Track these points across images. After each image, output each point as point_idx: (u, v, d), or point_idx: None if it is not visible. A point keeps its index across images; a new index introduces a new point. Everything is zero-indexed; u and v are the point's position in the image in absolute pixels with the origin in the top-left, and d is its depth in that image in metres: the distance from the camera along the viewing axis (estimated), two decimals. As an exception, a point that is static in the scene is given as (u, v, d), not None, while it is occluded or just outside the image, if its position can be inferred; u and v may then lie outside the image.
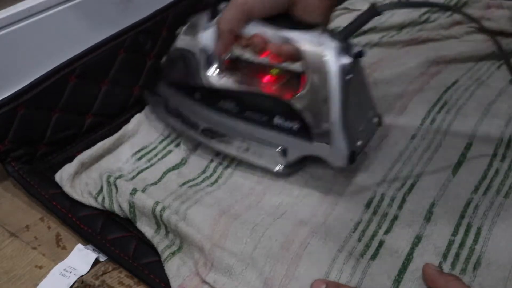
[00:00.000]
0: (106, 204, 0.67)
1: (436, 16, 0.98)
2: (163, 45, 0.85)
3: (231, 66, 0.72)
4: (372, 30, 0.97)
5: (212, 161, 0.73)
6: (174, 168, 0.72)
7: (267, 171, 0.70)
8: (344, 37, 0.62)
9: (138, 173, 0.71)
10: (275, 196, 0.67)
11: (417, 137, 0.73)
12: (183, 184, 0.69)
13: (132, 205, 0.65)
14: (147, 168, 0.72)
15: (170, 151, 0.74)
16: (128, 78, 0.82)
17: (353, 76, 0.61)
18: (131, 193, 0.65)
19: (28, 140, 0.72)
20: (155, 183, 0.69)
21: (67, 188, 0.69)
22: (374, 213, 0.64)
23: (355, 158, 0.64)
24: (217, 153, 0.73)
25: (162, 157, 0.74)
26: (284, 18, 0.66)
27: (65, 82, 0.75)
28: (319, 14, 0.66)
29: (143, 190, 0.67)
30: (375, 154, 0.72)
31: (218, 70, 0.71)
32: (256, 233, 0.61)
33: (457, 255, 0.58)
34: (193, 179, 0.70)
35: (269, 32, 0.65)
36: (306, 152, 0.66)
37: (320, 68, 0.61)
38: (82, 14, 0.80)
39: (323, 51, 0.61)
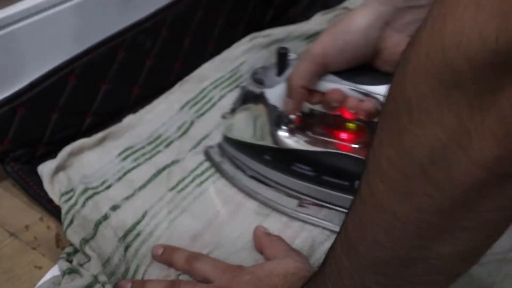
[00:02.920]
0: (68, 209, 0.65)
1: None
2: (162, 45, 0.85)
3: (303, 123, 0.65)
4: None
5: (206, 160, 0.73)
6: (164, 168, 0.71)
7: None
8: None
9: (124, 174, 0.70)
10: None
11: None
12: (172, 188, 0.69)
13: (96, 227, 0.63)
14: (133, 168, 0.71)
15: (159, 151, 0.74)
16: (127, 78, 0.82)
17: None
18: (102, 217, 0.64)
19: (27, 140, 0.72)
20: (143, 186, 0.69)
21: (46, 185, 0.68)
22: None
23: None
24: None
25: (150, 157, 0.73)
26: (364, 70, 0.58)
27: (65, 82, 0.75)
28: None
29: (129, 197, 0.67)
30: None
31: (289, 129, 0.64)
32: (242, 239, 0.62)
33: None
34: (183, 179, 0.70)
35: (346, 87, 0.58)
36: None
37: None
38: (82, 14, 0.80)
39: None
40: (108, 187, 0.68)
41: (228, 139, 0.71)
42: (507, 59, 0.28)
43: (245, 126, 0.68)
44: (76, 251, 0.62)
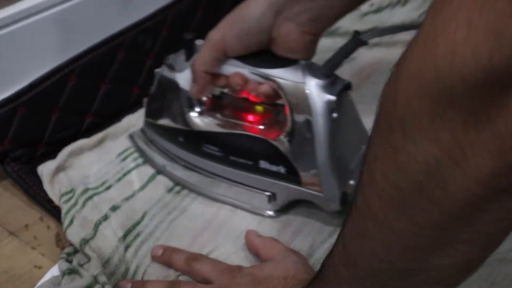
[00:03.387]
0: (68, 210, 0.65)
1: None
2: (162, 45, 0.85)
3: (213, 106, 0.68)
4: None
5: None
6: (163, 168, 0.71)
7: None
8: (328, 72, 0.58)
9: (124, 175, 0.70)
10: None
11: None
12: (171, 189, 0.69)
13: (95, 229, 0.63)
14: (133, 168, 0.71)
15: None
16: (127, 78, 0.82)
17: (340, 112, 0.57)
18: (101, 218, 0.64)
19: (27, 140, 0.72)
20: (143, 187, 0.69)
21: (46, 185, 0.68)
22: None
23: (348, 200, 0.60)
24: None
25: (150, 158, 0.72)
26: (265, 54, 0.61)
27: (65, 82, 0.75)
28: (301, 49, 0.61)
29: (129, 198, 0.67)
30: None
31: (200, 111, 0.68)
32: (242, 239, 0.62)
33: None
34: (182, 180, 0.70)
35: (247, 71, 0.60)
36: (295, 197, 0.63)
37: (302, 108, 0.57)
38: (82, 14, 0.80)
39: (305, 89, 0.57)
40: (108, 187, 0.68)
41: (148, 123, 0.73)
42: (501, 77, 0.28)
43: (161, 110, 0.70)
44: (76, 251, 0.62)
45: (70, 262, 0.60)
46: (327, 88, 0.57)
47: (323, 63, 0.59)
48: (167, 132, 0.70)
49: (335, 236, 0.60)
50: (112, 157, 0.73)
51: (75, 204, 0.65)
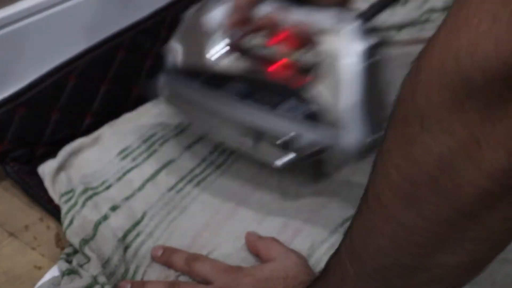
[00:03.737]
0: (68, 210, 0.65)
1: (436, 16, 0.98)
2: (162, 45, 0.85)
3: (238, 50, 0.68)
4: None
5: (204, 160, 0.73)
6: (162, 168, 0.71)
7: (259, 170, 0.70)
8: (365, 19, 0.58)
9: (124, 174, 0.70)
10: (264, 194, 0.67)
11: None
12: (171, 188, 0.69)
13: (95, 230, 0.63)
14: (133, 168, 0.71)
15: (155, 150, 0.74)
16: (127, 78, 0.82)
17: (369, 64, 0.57)
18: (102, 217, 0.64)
19: (27, 140, 0.72)
20: (143, 186, 0.69)
21: (47, 183, 0.68)
22: None
23: (367, 152, 0.58)
24: (210, 152, 0.73)
25: (148, 157, 0.73)
26: (302, 1, 0.62)
27: (65, 82, 0.75)
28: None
29: (129, 198, 0.67)
30: (372, 156, 0.72)
31: (227, 52, 0.67)
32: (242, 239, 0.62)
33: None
34: (181, 179, 0.70)
35: (283, 13, 0.61)
36: (315, 142, 0.59)
37: (334, 52, 0.57)
38: (81, 14, 0.80)
39: (338, 35, 0.57)
40: (108, 187, 0.68)
41: (169, 69, 0.72)
42: None
43: (185, 53, 0.70)
44: (75, 251, 0.62)
45: (69, 262, 0.60)
46: (360, 36, 0.57)
47: (361, 12, 0.59)
48: (189, 75, 0.69)
49: (335, 236, 0.61)
50: (112, 156, 0.73)
51: (75, 204, 0.65)
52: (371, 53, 0.57)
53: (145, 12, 0.84)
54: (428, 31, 0.94)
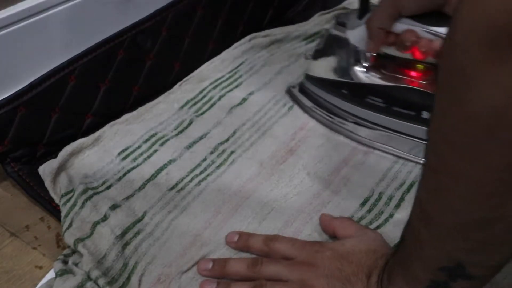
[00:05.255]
0: (68, 212, 0.65)
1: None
2: (162, 45, 0.85)
3: (378, 62, 0.74)
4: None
5: (204, 160, 0.73)
6: (162, 168, 0.71)
7: (259, 170, 0.71)
8: None
9: (125, 174, 0.70)
10: (264, 194, 0.68)
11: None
12: (172, 188, 0.69)
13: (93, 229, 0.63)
14: (133, 168, 0.71)
15: (156, 150, 0.74)
16: (127, 78, 0.82)
17: None
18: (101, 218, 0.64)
19: (27, 140, 0.72)
20: (143, 186, 0.69)
21: (48, 183, 0.68)
22: (369, 211, 0.64)
23: None
24: (210, 152, 0.74)
25: (149, 157, 0.73)
26: (434, 15, 0.66)
27: (65, 82, 0.75)
28: None
29: (129, 197, 0.67)
30: (373, 154, 0.72)
31: (365, 66, 0.74)
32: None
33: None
34: (182, 179, 0.70)
35: (419, 29, 0.66)
36: None
37: None
38: (82, 14, 0.80)
39: None
40: (108, 187, 0.68)
41: (309, 77, 0.80)
42: None
43: (326, 65, 0.78)
44: (74, 252, 0.62)
45: (66, 263, 0.60)
46: None
47: None
48: (330, 85, 0.77)
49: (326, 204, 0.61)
50: (113, 156, 0.73)
51: (74, 204, 0.65)
52: None
53: (145, 13, 0.84)
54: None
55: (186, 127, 0.78)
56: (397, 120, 0.71)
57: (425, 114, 0.68)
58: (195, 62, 0.89)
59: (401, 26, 0.67)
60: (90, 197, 0.66)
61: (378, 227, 0.63)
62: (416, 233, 0.45)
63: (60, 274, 0.58)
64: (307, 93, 0.80)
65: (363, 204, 0.65)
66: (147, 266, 0.59)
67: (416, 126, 0.69)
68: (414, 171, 0.69)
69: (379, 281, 0.51)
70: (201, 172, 0.71)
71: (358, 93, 0.73)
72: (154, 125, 0.78)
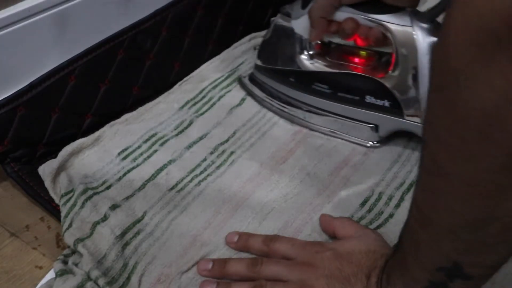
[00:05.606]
0: (67, 212, 0.65)
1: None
2: (162, 45, 0.85)
3: (322, 50, 0.77)
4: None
5: (204, 160, 0.73)
6: (162, 168, 0.71)
7: (259, 170, 0.71)
8: (431, 18, 0.65)
9: (125, 174, 0.70)
10: (265, 194, 0.68)
11: (414, 138, 0.73)
12: (172, 188, 0.69)
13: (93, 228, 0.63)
14: (133, 168, 0.71)
15: (155, 151, 0.74)
16: (127, 78, 0.82)
17: None
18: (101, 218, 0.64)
19: (27, 140, 0.72)
20: (143, 186, 0.69)
21: (47, 184, 0.68)
22: (369, 211, 0.64)
23: None
24: (210, 152, 0.74)
25: (149, 157, 0.73)
26: (373, 3, 0.68)
27: (65, 82, 0.75)
28: None
29: (129, 197, 0.67)
30: (373, 154, 0.72)
31: (310, 54, 0.76)
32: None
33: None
34: (181, 180, 0.70)
35: (359, 17, 0.68)
36: (398, 128, 0.71)
37: (410, 48, 0.65)
38: (82, 14, 0.80)
39: (412, 32, 0.65)
40: (108, 187, 0.68)
41: (258, 67, 0.82)
42: None
43: (273, 55, 0.80)
44: (73, 252, 0.62)
45: (66, 263, 0.60)
46: (431, 32, 0.65)
47: (427, 11, 0.67)
48: (278, 74, 0.79)
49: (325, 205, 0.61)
50: (113, 156, 0.73)
51: (74, 205, 0.65)
52: None
53: (145, 13, 0.84)
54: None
55: (186, 127, 0.78)
56: (342, 105, 0.73)
57: (368, 99, 0.71)
58: (195, 62, 0.89)
59: (342, 15, 0.69)
60: (90, 197, 0.66)
61: (378, 227, 0.63)
62: (413, 234, 0.45)
63: (60, 274, 0.58)
64: (258, 83, 0.82)
65: (363, 204, 0.66)
66: (147, 266, 0.59)
67: (361, 110, 0.72)
68: (414, 170, 0.69)
69: (378, 282, 0.51)
70: (201, 172, 0.71)
71: (305, 80, 0.76)
72: (154, 125, 0.78)
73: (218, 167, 0.72)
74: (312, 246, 0.58)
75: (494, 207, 0.38)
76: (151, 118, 0.80)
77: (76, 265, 0.59)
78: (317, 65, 0.76)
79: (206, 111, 0.81)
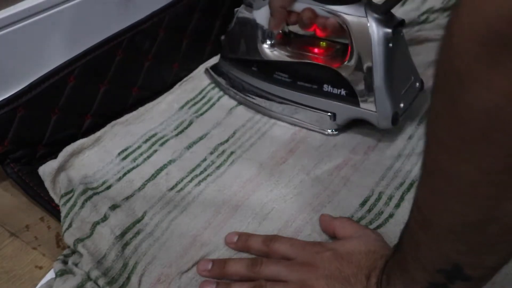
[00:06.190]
0: (67, 213, 0.65)
1: (435, 16, 0.98)
2: (160, 46, 0.85)
3: (283, 40, 0.79)
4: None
5: (204, 160, 0.73)
6: (162, 168, 0.72)
7: (258, 170, 0.71)
8: (385, 10, 0.68)
9: (124, 174, 0.70)
10: (264, 194, 0.68)
11: (414, 138, 0.73)
12: (171, 188, 0.69)
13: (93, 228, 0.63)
14: (133, 168, 0.71)
15: (155, 151, 0.74)
16: (126, 79, 0.82)
17: (394, 44, 0.67)
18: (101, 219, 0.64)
19: (27, 141, 0.72)
20: (143, 186, 0.69)
21: (47, 184, 0.69)
22: (369, 211, 0.64)
23: (398, 119, 0.71)
24: (210, 152, 0.74)
25: (148, 157, 0.73)
26: None
27: (64, 83, 0.75)
28: None
29: (129, 198, 0.67)
30: (373, 154, 0.72)
31: (271, 44, 0.79)
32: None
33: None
34: (181, 180, 0.70)
35: (317, 7, 0.70)
36: (354, 116, 0.73)
37: (364, 38, 0.67)
38: (81, 14, 0.80)
39: (367, 22, 0.67)
40: (108, 187, 0.69)
41: (223, 58, 0.85)
42: None
43: (237, 45, 0.82)
44: (73, 252, 0.62)
45: (65, 263, 0.60)
46: (385, 23, 0.67)
47: (381, 3, 0.68)
48: (241, 64, 0.82)
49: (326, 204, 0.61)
50: (113, 156, 0.73)
51: (74, 205, 0.65)
52: (393, 35, 0.67)
53: (143, 14, 0.84)
54: (427, 31, 0.94)
55: (186, 128, 0.78)
56: (302, 94, 0.76)
57: (326, 87, 0.73)
58: (193, 63, 0.89)
59: (301, 5, 0.71)
60: (90, 197, 0.66)
61: (378, 227, 0.63)
62: (413, 235, 0.45)
63: (60, 274, 0.58)
64: (222, 72, 0.85)
65: (363, 204, 0.66)
66: (147, 266, 0.59)
67: (319, 98, 0.74)
68: (414, 170, 0.69)
69: (378, 282, 0.51)
70: (201, 173, 0.71)
71: (266, 70, 0.78)
72: (154, 125, 0.78)
73: (218, 167, 0.72)
74: (312, 246, 0.58)
75: (494, 208, 0.38)
76: (151, 118, 0.80)
77: (76, 265, 0.59)
78: (278, 55, 0.78)
79: (206, 111, 0.81)
